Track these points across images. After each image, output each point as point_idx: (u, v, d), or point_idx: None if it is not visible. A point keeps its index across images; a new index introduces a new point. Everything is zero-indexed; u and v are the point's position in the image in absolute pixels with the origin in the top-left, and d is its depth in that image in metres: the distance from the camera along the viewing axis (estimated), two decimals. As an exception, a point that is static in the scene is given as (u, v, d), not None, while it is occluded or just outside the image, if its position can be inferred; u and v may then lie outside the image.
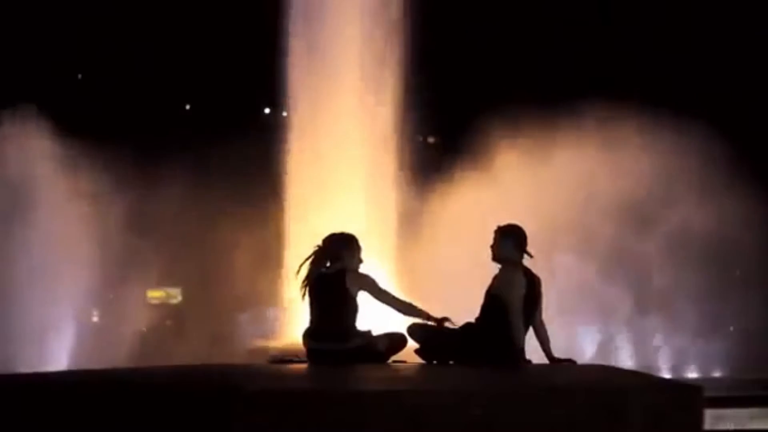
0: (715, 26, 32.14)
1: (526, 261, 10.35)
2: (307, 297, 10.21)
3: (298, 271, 10.27)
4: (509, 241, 10.28)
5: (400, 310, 10.25)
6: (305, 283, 10.20)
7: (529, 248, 10.35)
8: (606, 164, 24.03)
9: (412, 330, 10.25)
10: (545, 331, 10.28)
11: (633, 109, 24.06)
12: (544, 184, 23.86)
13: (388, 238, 22.59)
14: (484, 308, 10.14)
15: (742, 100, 31.29)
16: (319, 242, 10.38)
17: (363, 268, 10.35)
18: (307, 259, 10.30)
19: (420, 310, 10.24)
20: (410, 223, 23.60)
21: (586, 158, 23.92)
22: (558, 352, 10.34)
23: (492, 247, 10.33)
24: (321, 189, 23.03)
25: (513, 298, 9.99)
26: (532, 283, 10.17)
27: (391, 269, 21.70)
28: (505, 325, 9.91)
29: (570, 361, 10.19)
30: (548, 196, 23.36)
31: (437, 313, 10.29)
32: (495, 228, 10.38)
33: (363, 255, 10.38)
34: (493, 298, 10.07)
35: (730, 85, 31.68)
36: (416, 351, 10.26)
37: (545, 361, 10.22)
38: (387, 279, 19.14)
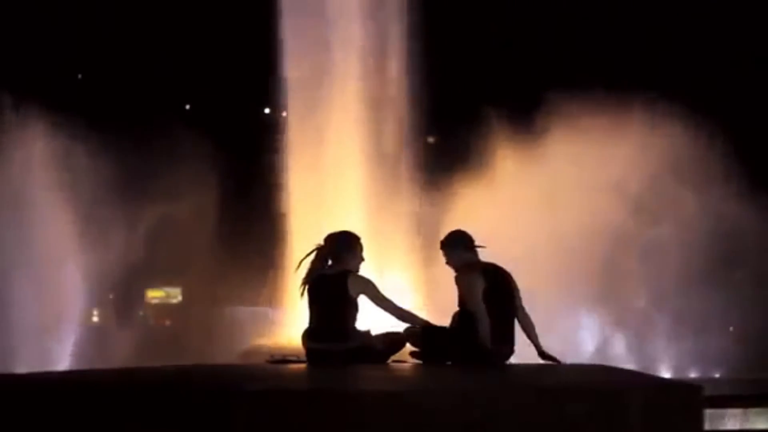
0: (714, 21, 32.18)
1: (485, 254, 10.37)
2: (306, 296, 10.19)
3: (298, 268, 10.22)
4: (456, 249, 10.34)
5: (400, 318, 10.24)
6: (305, 282, 10.17)
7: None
8: (606, 161, 24.00)
9: (410, 333, 10.24)
10: (530, 320, 10.30)
11: (636, 104, 24.04)
12: (545, 183, 23.83)
13: (390, 236, 22.58)
14: (458, 312, 10.21)
15: (744, 96, 31.29)
16: (321, 241, 10.34)
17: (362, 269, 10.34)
18: (307, 255, 10.27)
19: (419, 318, 10.24)
20: (411, 223, 23.60)
21: (586, 155, 23.88)
22: (559, 352, 10.34)
23: (447, 263, 10.39)
24: (322, 188, 23.04)
25: (475, 302, 10.02)
26: (495, 276, 10.17)
27: (392, 269, 21.69)
28: (473, 329, 9.93)
29: (555, 361, 10.17)
30: (548, 195, 23.33)
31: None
32: (439, 244, 10.44)
33: (364, 254, 10.37)
34: (461, 303, 10.14)
35: (733, 81, 31.68)
36: (411, 354, 10.28)
37: (537, 358, 10.22)
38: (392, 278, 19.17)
